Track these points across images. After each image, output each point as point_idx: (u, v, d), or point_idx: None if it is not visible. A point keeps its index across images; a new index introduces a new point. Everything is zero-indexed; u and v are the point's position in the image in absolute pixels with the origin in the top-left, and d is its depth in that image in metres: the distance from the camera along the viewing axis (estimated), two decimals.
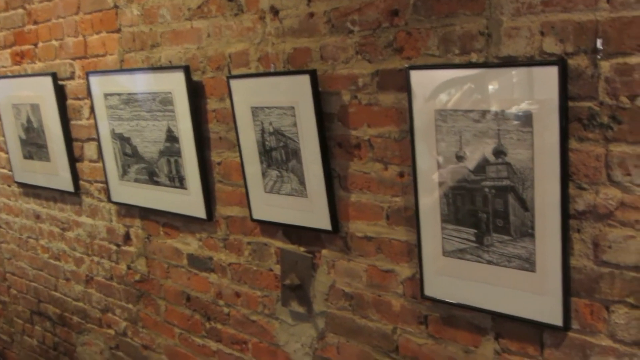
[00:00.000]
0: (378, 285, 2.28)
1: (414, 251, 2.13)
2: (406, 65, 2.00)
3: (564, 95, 1.70)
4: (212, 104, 2.72)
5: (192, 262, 3.02)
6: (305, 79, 2.26)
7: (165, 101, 2.83)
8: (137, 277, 3.39)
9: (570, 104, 1.71)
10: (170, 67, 2.80)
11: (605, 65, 1.64)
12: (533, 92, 1.75)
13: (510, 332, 1.96)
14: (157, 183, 3.01)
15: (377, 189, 2.20)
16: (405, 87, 2.02)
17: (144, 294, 3.39)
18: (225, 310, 2.92)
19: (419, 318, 2.19)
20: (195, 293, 3.06)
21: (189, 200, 2.88)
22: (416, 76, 1.99)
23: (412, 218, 2.11)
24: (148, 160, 3.02)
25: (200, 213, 2.85)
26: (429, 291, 2.11)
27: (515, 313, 1.91)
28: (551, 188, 1.76)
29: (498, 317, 1.98)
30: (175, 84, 2.77)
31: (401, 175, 2.13)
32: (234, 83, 2.53)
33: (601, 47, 1.64)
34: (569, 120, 1.72)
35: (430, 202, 2.02)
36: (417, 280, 2.14)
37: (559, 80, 1.69)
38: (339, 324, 2.44)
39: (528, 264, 1.84)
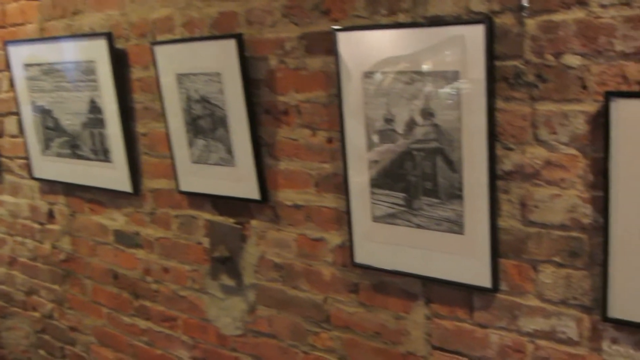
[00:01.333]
0: (308, 255, 2.24)
1: (344, 218, 2.10)
2: (333, 28, 1.95)
3: (490, 55, 1.68)
4: (136, 73, 2.63)
5: (119, 239, 2.92)
6: (231, 44, 2.20)
7: (88, 71, 2.72)
8: (62, 257, 3.28)
9: (497, 63, 1.70)
10: (92, 35, 2.69)
11: (531, 23, 1.63)
12: (460, 51, 1.72)
13: (440, 296, 1.95)
14: (80, 157, 2.90)
15: (305, 156, 2.16)
16: (333, 50, 1.97)
17: (69, 273, 3.28)
18: (154, 286, 2.84)
19: (350, 286, 2.16)
20: (122, 270, 2.97)
21: (114, 174, 2.78)
22: (343, 38, 1.95)
23: (341, 184, 2.08)
24: (71, 134, 2.90)
25: (126, 187, 2.76)
26: (359, 258, 2.08)
27: (445, 277, 1.90)
28: (478, 149, 1.74)
29: (428, 282, 1.96)
30: (97, 53, 2.66)
31: (330, 141, 2.08)
32: (158, 50, 2.44)
33: (527, 5, 1.62)
34: (495, 80, 1.70)
35: (358, 167, 1.99)
36: (347, 247, 2.11)
37: (485, 40, 1.67)
38: (270, 295, 2.39)
39: (457, 226, 1.83)
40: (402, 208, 1.92)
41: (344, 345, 2.23)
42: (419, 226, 1.90)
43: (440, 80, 1.76)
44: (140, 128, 2.67)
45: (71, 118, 2.86)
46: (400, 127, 1.87)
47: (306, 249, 2.24)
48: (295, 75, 2.13)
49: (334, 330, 2.24)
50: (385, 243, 2.00)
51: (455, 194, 1.81)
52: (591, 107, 1.58)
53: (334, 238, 2.16)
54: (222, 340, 2.62)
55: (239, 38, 2.19)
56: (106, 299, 3.12)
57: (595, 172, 1.60)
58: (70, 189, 3.10)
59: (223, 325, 2.59)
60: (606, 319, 1.64)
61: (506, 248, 1.78)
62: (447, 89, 1.75)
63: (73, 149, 2.92)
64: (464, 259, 1.84)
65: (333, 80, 2.02)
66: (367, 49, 1.90)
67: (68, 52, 2.79)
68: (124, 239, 2.90)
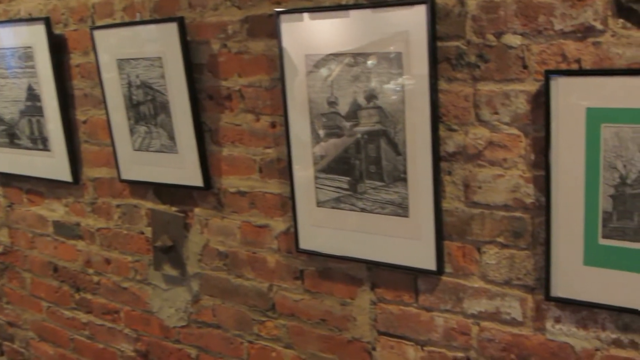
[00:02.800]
0: (253, 242, 2.20)
1: (288, 204, 2.07)
2: (276, 10, 1.92)
3: (433, 36, 1.67)
4: (75, 59, 2.55)
5: (59, 230, 2.84)
6: (172, 28, 2.15)
7: (25, 57, 2.64)
8: None
9: (439, 44, 1.69)
10: (29, 20, 2.61)
11: (472, 4, 1.62)
12: (403, 32, 1.71)
13: (385, 280, 1.94)
14: (18, 146, 2.81)
15: (249, 142, 2.12)
16: (276, 33, 1.93)
17: (7, 267, 3.18)
18: (95, 278, 2.77)
19: (295, 273, 2.13)
20: (62, 263, 2.89)
21: (53, 163, 2.70)
22: (286, 21, 1.91)
23: (285, 169, 2.05)
24: (8, 122, 2.81)
25: (66, 176, 2.68)
26: (304, 244, 2.05)
27: (390, 260, 1.88)
28: (422, 131, 1.73)
29: (373, 267, 1.95)
30: (35, 38, 2.58)
31: (273, 125, 2.05)
32: (97, 34, 2.38)
33: None
34: (437, 61, 1.69)
35: (299, 151, 1.96)
36: (292, 234, 2.08)
37: (427, 20, 1.66)
38: (214, 285, 2.35)
39: (401, 209, 1.81)
40: (347, 192, 1.90)
41: (289, 333, 2.20)
42: (363, 210, 1.88)
43: (384, 62, 1.74)
44: (80, 115, 2.60)
45: (8, 106, 2.77)
46: (343, 110, 1.85)
47: (250, 237, 2.21)
48: (238, 59, 2.09)
49: (280, 318, 2.21)
50: (330, 228, 1.97)
51: (400, 177, 1.79)
52: (532, 86, 1.58)
53: (279, 224, 2.13)
54: (165, 332, 2.56)
55: (180, 22, 2.14)
56: (46, 293, 3.03)
57: (537, 151, 1.61)
58: (7, 180, 3.00)
59: (166, 317, 2.54)
60: (549, 298, 1.65)
61: (450, 230, 1.78)
62: (390, 71, 1.73)
63: (10, 138, 2.83)
64: (408, 242, 1.83)
65: (276, 63, 1.99)
66: (310, 31, 1.87)
67: (4, 37, 2.70)
68: (64, 230, 2.82)
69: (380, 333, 1.99)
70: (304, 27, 1.88)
